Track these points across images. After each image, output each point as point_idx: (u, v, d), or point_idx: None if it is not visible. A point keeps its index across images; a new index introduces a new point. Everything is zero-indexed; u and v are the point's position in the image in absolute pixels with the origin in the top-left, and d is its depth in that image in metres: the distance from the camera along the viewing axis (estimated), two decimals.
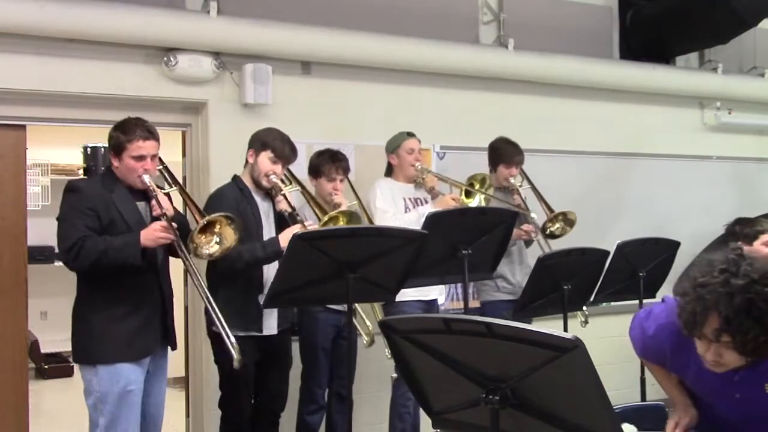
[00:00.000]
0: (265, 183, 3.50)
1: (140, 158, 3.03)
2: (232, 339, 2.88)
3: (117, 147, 3.04)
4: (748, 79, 6.22)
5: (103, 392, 2.95)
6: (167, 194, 3.17)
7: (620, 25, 5.87)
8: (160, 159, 3.20)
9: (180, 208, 3.39)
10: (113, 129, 3.10)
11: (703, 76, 6.04)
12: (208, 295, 3.00)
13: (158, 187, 3.11)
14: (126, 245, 2.91)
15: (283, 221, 3.52)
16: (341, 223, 3.50)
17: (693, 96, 5.98)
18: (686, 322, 1.85)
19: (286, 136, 3.57)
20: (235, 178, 3.59)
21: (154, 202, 3.03)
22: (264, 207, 3.55)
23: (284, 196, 3.45)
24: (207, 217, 2.95)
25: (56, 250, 6.71)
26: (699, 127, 6.11)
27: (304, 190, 3.68)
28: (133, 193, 3.10)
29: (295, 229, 3.26)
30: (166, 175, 3.34)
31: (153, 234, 2.94)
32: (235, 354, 2.85)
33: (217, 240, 2.99)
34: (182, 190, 3.29)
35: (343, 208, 3.64)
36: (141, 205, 3.11)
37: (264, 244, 3.36)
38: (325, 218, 3.48)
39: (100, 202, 2.98)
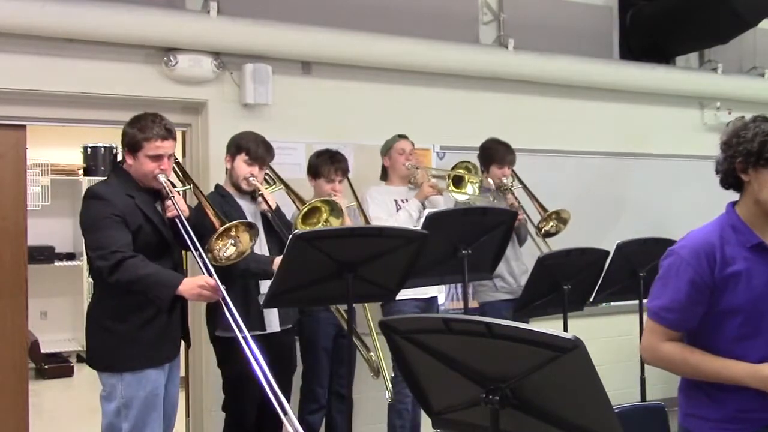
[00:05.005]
0: (245, 186, 3.47)
1: (157, 158, 2.91)
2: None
3: (133, 145, 2.91)
4: (748, 79, 6.21)
5: (129, 398, 2.87)
6: (181, 193, 3.07)
7: (620, 25, 5.86)
8: (174, 156, 3.07)
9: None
10: (129, 125, 2.95)
11: (703, 76, 6.04)
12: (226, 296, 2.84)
13: (172, 185, 3.01)
14: (163, 285, 2.79)
15: (268, 222, 3.51)
16: (324, 215, 3.48)
17: (693, 96, 5.97)
18: None
19: (260, 137, 3.52)
20: (217, 187, 3.57)
21: (169, 202, 2.94)
22: (251, 209, 3.52)
23: (262, 196, 3.42)
24: (226, 224, 2.92)
25: (56, 250, 6.83)
26: (699, 127, 6.10)
27: (288, 189, 3.62)
28: (149, 194, 3.00)
29: None
30: (179, 172, 3.24)
31: (196, 290, 2.80)
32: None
33: (233, 242, 2.97)
34: (197, 189, 3.18)
35: (343, 204, 3.63)
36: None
37: (257, 258, 3.31)
38: (304, 208, 3.43)
39: (126, 209, 2.88)
